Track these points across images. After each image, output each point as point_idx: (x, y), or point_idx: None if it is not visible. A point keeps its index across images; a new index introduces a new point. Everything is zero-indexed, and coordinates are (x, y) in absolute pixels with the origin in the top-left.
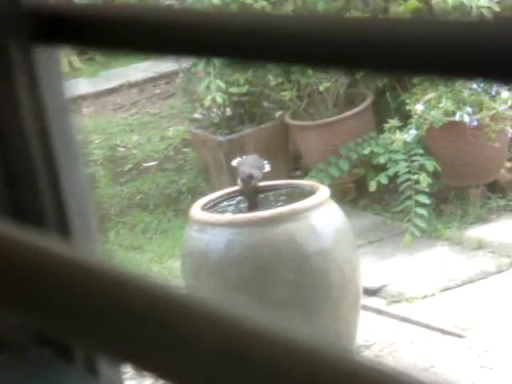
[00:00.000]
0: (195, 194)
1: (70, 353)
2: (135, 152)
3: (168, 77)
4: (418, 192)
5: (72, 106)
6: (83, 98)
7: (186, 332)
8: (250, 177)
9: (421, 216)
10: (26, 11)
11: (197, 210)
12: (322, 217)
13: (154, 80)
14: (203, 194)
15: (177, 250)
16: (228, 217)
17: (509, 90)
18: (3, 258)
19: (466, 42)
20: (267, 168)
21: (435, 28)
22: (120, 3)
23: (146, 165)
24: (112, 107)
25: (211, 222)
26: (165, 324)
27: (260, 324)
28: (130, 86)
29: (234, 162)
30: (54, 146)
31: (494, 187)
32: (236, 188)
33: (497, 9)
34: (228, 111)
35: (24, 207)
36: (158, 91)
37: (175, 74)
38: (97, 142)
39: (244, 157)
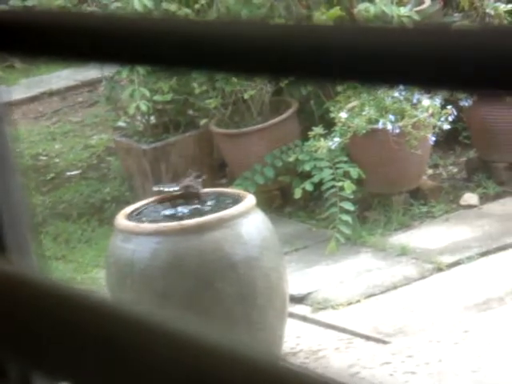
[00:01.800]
0: (119, 203)
1: (4, 370)
2: (58, 161)
3: (90, 85)
4: (343, 199)
5: (5, 115)
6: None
7: (131, 348)
8: (188, 187)
9: (345, 223)
10: None
11: (122, 219)
12: (248, 225)
13: (76, 88)
14: (128, 203)
15: (101, 259)
16: (153, 226)
17: (430, 98)
18: None
19: (387, 48)
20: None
21: (357, 34)
22: (41, 9)
23: (69, 174)
24: (33, 115)
25: (136, 231)
26: (109, 340)
27: (199, 336)
28: (52, 93)
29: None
30: None
31: (417, 194)
32: (161, 197)
33: (416, 18)
34: (152, 119)
35: None
36: (80, 99)
37: (98, 81)
38: (18, 150)
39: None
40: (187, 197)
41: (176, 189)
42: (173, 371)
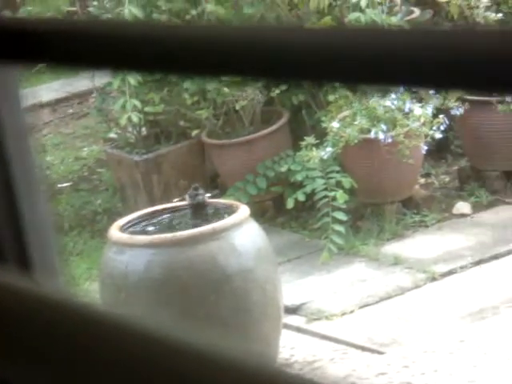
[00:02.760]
0: (111, 215)
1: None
2: (49, 173)
3: (81, 96)
4: (335, 209)
5: (31, 131)
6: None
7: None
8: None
9: (338, 233)
10: None
11: (115, 231)
12: (242, 236)
13: (66, 100)
14: (119, 215)
15: (94, 271)
16: (147, 238)
17: (421, 107)
18: None
19: (375, 49)
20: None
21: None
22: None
23: (60, 186)
24: None
25: (130, 243)
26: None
27: (194, 345)
28: (42, 105)
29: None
30: (14, 173)
31: (409, 203)
32: (155, 208)
33: (407, 27)
34: (144, 130)
35: None
36: (70, 111)
37: (88, 93)
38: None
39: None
40: (180, 208)
41: (186, 202)
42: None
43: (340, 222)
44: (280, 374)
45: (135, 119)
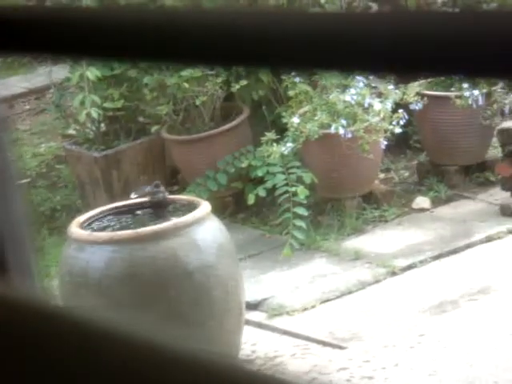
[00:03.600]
0: (70, 212)
1: None
2: None
3: (38, 92)
4: (296, 204)
5: (5, 126)
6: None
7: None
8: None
9: (299, 228)
10: None
11: (75, 228)
12: (203, 232)
13: (23, 95)
14: (79, 211)
15: (52, 269)
16: (108, 234)
17: (381, 102)
18: None
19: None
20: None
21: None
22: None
23: (17, 180)
24: None
25: (90, 240)
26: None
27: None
28: None
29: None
30: None
31: (369, 198)
32: (115, 205)
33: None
34: (103, 126)
35: None
36: (27, 107)
37: (46, 89)
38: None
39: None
40: (140, 205)
41: (146, 199)
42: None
43: (301, 217)
44: (240, 371)
45: (95, 115)
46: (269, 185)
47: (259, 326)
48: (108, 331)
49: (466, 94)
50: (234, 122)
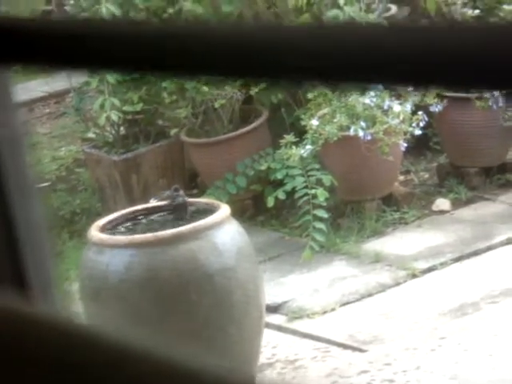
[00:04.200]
0: (90, 215)
1: None
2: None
3: (58, 96)
4: (316, 207)
5: (24, 129)
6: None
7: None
8: (172, 197)
9: (319, 230)
10: None
11: (95, 232)
12: (223, 235)
13: (43, 99)
14: (98, 215)
15: (72, 272)
16: (127, 238)
17: (400, 104)
18: None
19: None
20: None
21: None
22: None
23: (37, 186)
24: None
25: (110, 244)
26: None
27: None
28: (18, 105)
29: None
30: (6, 183)
31: (389, 200)
32: (134, 208)
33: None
34: (122, 130)
35: None
36: (47, 111)
37: (65, 92)
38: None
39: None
40: (159, 208)
41: (166, 203)
42: None
43: (321, 219)
44: None
45: (115, 118)
46: (288, 187)
47: (279, 329)
48: (126, 348)
49: (487, 95)
50: (252, 125)
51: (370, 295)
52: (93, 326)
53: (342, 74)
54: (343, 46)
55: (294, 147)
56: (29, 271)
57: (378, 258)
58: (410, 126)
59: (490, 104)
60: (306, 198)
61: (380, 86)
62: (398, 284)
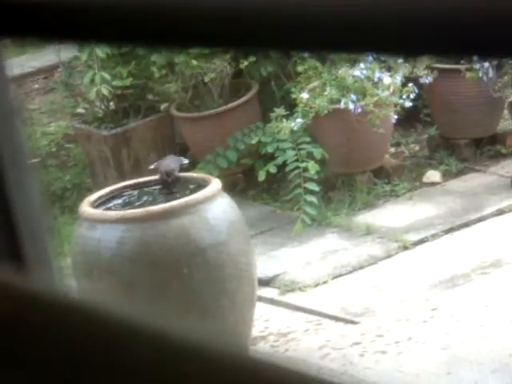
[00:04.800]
0: (81, 191)
1: None
2: None
3: (46, 71)
4: (307, 180)
5: (19, 112)
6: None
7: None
8: (169, 173)
9: (310, 203)
10: None
11: (86, 207)
12: (215, 209)
13: (32, 75)
14: (89, 190)
15: (64, 248)
16: (119, 213)
17: (390, 76)
18: None
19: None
20: (185, 161)
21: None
22: None
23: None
24: None
25: (102, 219)
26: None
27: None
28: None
29: (153, 165)
30: (1, 158)
31: (380, 173)
32: (125, 183)
33: None
34: (112, 105)
35: None
36: (36, 86)
37: (54, 68)
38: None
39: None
40: (165, 183)
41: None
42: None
43: (312, 192)
44: (250, 361)
45: (105, 92)
46: (279, 161)
47: (271, 302)
48: (123, 321)
49: (477, 66)
50: (243, 99)
51: (361, 267)
52: (90, 301)
53: (331, 43)
54: (334, 15)
55: (284, 120)
56: (25, 246)
57: (369, 231)
58: (401, 98)
59: (480, 75)
60: (297, 172)
61: (370, 56)
62: (389, 256)
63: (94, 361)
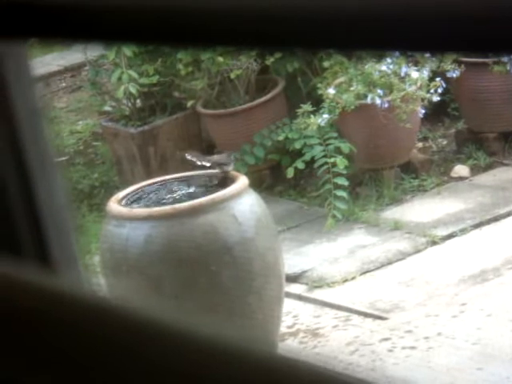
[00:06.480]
0: (108, 188)
1: None
2: None
3: (73, 70)
4: (336, 175)
5: (44, 111)
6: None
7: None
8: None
9: (341, 198)
10: None
11: (114, 205)
12: (242, 206)
13: (59, 73)
14: (117, 188)
15: (93, 245)
16: (146, 210)
17: (418, 70)
18: None
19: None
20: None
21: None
22: None
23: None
24: None
25: (129, 216)
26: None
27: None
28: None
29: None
30: (27, 157)
31: (407, 168)
32: (152, 180)
33: None
34: (139, 102)
35: None
36: (63, 84)
37: (81, 66)
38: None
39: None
40: (179, 179)
41: (207, 164)
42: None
43: (342, 187)
44: (279, 361)
45: (133, 90)
46: (307, 157)
47: (299, 298)
48: (149, 321)
49: (504, 59)
50: (269, 95)
51: (390, 263)
52: (116, 300)
53: (357, 42)
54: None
55: (311, 116)
56: (52, 244)
57: (397, 226)
58: (428, 92)
59: (508, 68)
60: (325, 167)
61: (396, 53)
62: (418, 251)
63: (121, 360)
